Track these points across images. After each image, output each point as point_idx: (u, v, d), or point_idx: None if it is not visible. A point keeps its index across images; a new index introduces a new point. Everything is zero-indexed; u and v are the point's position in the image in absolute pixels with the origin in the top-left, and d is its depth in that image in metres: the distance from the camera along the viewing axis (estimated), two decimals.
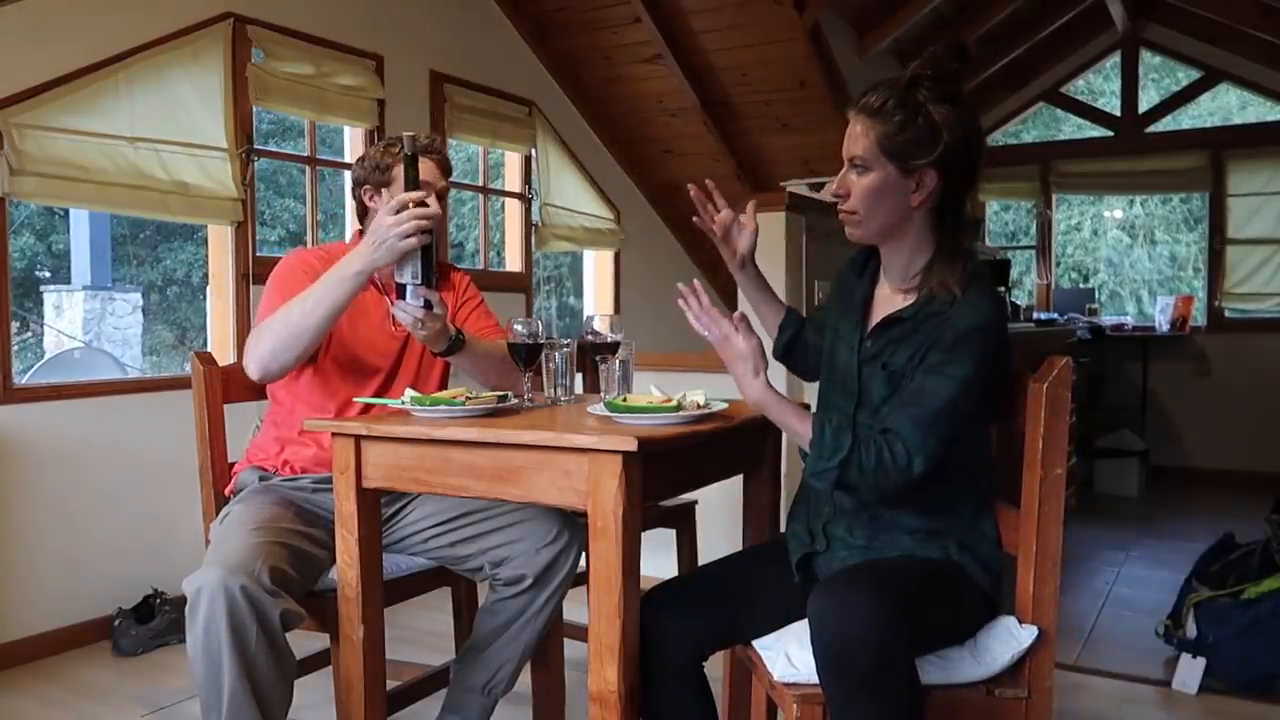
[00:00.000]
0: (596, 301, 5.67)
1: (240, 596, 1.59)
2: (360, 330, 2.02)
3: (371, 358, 2.04)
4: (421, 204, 1.78)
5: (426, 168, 2.01)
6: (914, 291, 1.58)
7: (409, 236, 1.75)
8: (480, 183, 5.00)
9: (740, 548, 1.96)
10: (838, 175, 1.60)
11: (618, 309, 5.51)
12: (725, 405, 1.74)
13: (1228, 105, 7.61)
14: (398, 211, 1.76)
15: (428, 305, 1.83)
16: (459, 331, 1.93)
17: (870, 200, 1.55)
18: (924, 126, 1.50)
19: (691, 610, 1.62)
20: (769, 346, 1.85)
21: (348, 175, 4.09)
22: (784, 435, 2.00)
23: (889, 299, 1.64)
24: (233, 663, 1.58)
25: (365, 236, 1.82)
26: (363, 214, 2.10)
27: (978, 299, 1.51)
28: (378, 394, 2.02)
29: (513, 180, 5.07)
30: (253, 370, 1.90)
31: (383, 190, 2.05)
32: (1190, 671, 2.69)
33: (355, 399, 1.97)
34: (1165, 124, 6.48)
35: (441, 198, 2.05)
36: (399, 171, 2.01)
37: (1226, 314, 6.19)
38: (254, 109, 3.55)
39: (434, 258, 1.82)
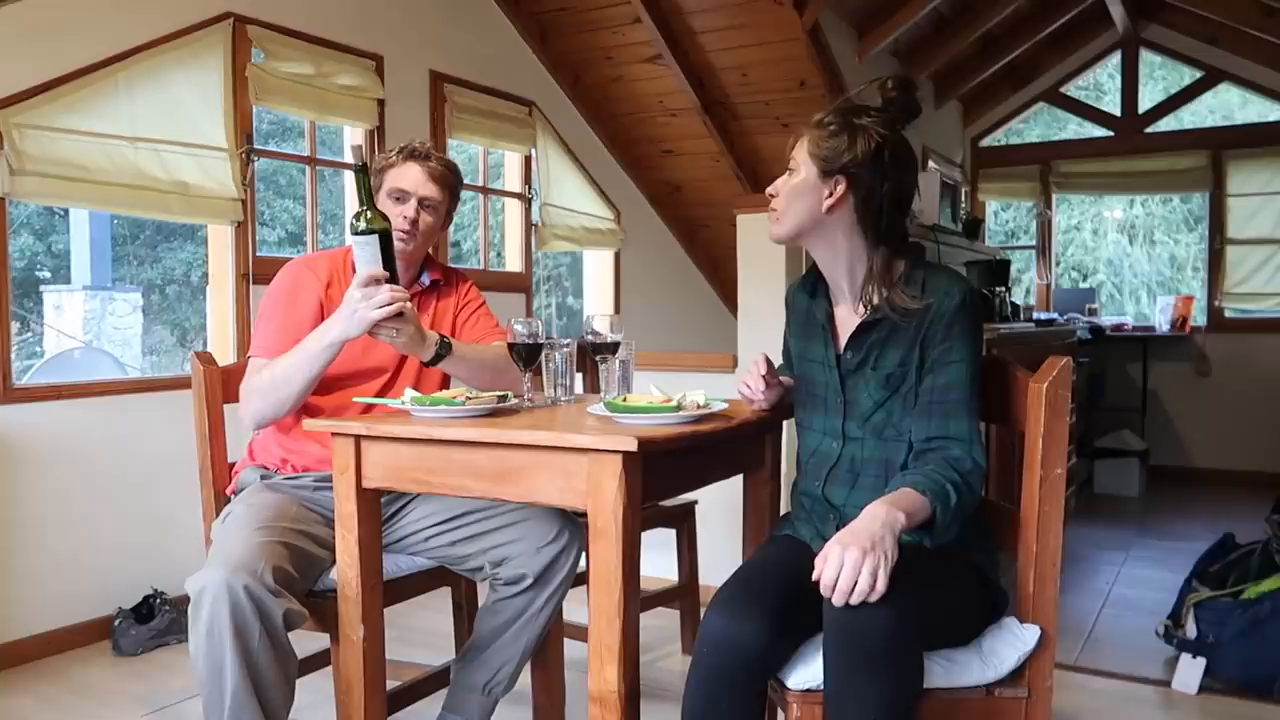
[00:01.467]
0: (596, 301, 5.67)
1: (243, 596, 1.59)
2: (362, 336, 2.01)
3: (373, 361, 2.04)
4: (391, 280, 1.78)
5: (411, 174, 2.02)
6: (872, 307, 1.62)
7: (380, 307, 1.75)
8: (480, 183, 4.99)
9: (740, 548, 1.96)
10: None
11: (618, 309, 5.50)
12: (725, 405, 1.74)
13: (1228, 105, 7.60)
14: (366, 286, 1.76)
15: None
16: (444, 339, 1.91)
17: (789, 198, 1.65)
18: (845, 140, 1.60)
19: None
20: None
21: (348, 176, 4.10)
22: (783, 435, 2.01)
23: (852, 316, 1.67)
24: (235, 662, 1.59)
25: (341, 306, 1.81)
26: None
27: (947, 284, 1.59)
28: (379, 396, 2.02)
29: (513, 180, 5.06)
30: (247, 425, 1.95)
31: (378, 194, 2.04)
32: (1190, 671, 2.69)
33: (355, 399, 1.97)
34: (1165, 124, 6.49)
35: (426, 205, 2.03)
36: (389, 175, 2.03)
37: (1226, 314, 6.19)
38: (254, 109, 3.55)
39: (394, 262, 1.81)
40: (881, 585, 1.31)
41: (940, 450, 1.53)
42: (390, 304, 1.76)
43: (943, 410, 1.53)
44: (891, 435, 1.59)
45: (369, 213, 1.78)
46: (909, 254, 1.66)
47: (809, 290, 1.76)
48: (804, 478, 1.73)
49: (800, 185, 1.63)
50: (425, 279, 2.13)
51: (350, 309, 1.77)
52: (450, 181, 2.08)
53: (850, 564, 1.32)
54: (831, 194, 1.61)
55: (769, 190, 1.69)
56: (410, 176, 2.02)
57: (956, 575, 1.53)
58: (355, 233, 1.78)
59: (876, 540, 1.34)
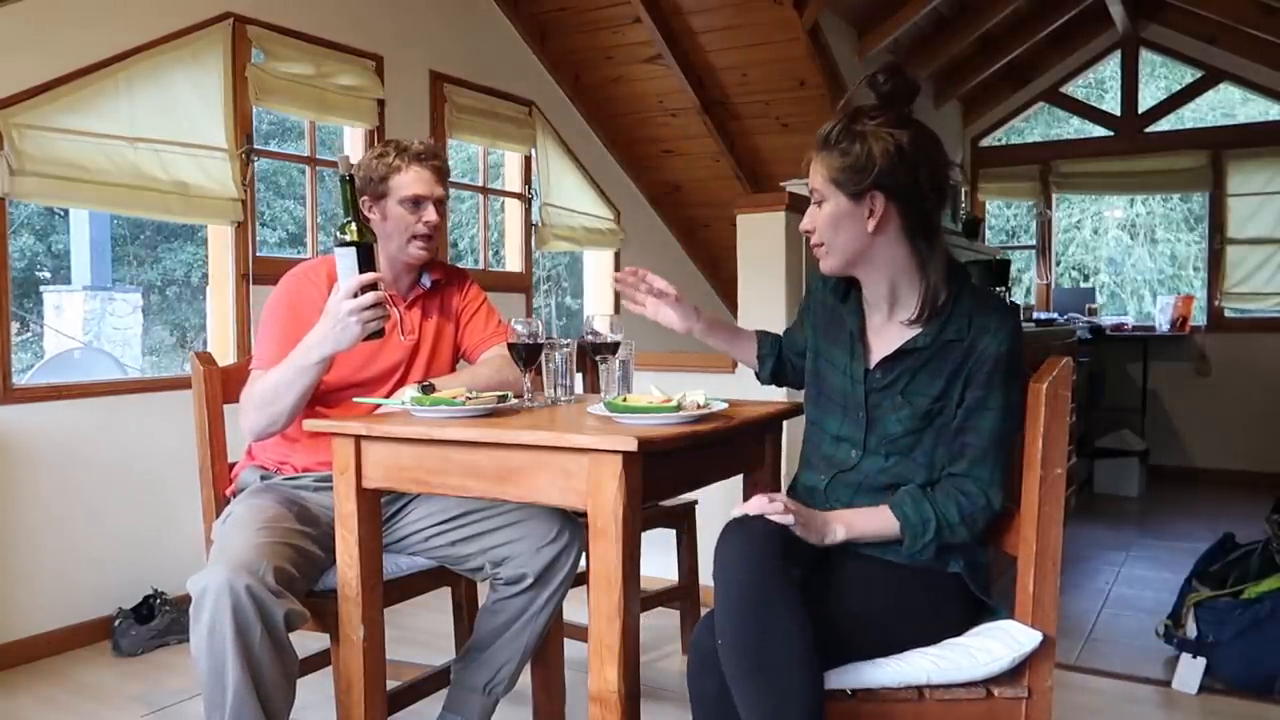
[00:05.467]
0: (596, 301, 5.67)
1: (245, 596, 1.59)
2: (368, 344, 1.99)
3: (382, 365, 2.03)
4: (373, 286, 1.76)
5: (423, 177, 2.01)
6: (918, 323, 1.58)
7: (370, 321, 1.74)
8: (480, 183, 5.00)
9: None
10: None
11: (618, 309, 5.50)
12: (725, 405, 1.74)
13: (1228, 104, 7.60)
14: (354, 295, 1.74)
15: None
16: (424, 385, 1.91)
17: (830, 230, 1.59)
18: (860, 153, 1.53)
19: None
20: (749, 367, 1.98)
21: None
22: (783, 436, 2.01)
23: (889, 329, 1.62)
24: (237, 662, 1.59)
25: (324, 319, 1.79)
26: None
27: (996, 322, 1.54)
28: (386, 398, 2.01)
29: (513, 180, 5.07)
30: (247, 438, 1.95)
31: (381, 201, 2.02)
32: (1190, 671, 2.69)
33: (355, 399, 1.97)
34: (1165, 124, 6.49)
35: (439, 205, 2.05)
36: (396, 182, 2.00)
37: (1226, 314, 6.19)
38: (254, 109, 3.55)
39: (375, 264, 1.80)
40: (777, 517, 1.43)
41: (955, 483, 1.53)
42: (379, 316, 1.75)
43: (969, 453, 1.53)
44: (919, 457, 1.57)
45: (354, 224, 1.77)
46: (956, 277, 1.60)
47: (839, 293, 1.71)
48: (810, 471, 1.69)
49: (835, 213, 1.56)
50: (426, 280, 2.12)
51: (336, 322, 1.75)
52: (448, 172, 2.11)
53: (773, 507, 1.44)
54: (872, 212, 1.54)
55: (803, 226, 1.63)
56: (422, 181, 2.01)
57: (910, 584, 1.54)
58: (340, 244, 1.76)
59: (808, 519, 1.48)
